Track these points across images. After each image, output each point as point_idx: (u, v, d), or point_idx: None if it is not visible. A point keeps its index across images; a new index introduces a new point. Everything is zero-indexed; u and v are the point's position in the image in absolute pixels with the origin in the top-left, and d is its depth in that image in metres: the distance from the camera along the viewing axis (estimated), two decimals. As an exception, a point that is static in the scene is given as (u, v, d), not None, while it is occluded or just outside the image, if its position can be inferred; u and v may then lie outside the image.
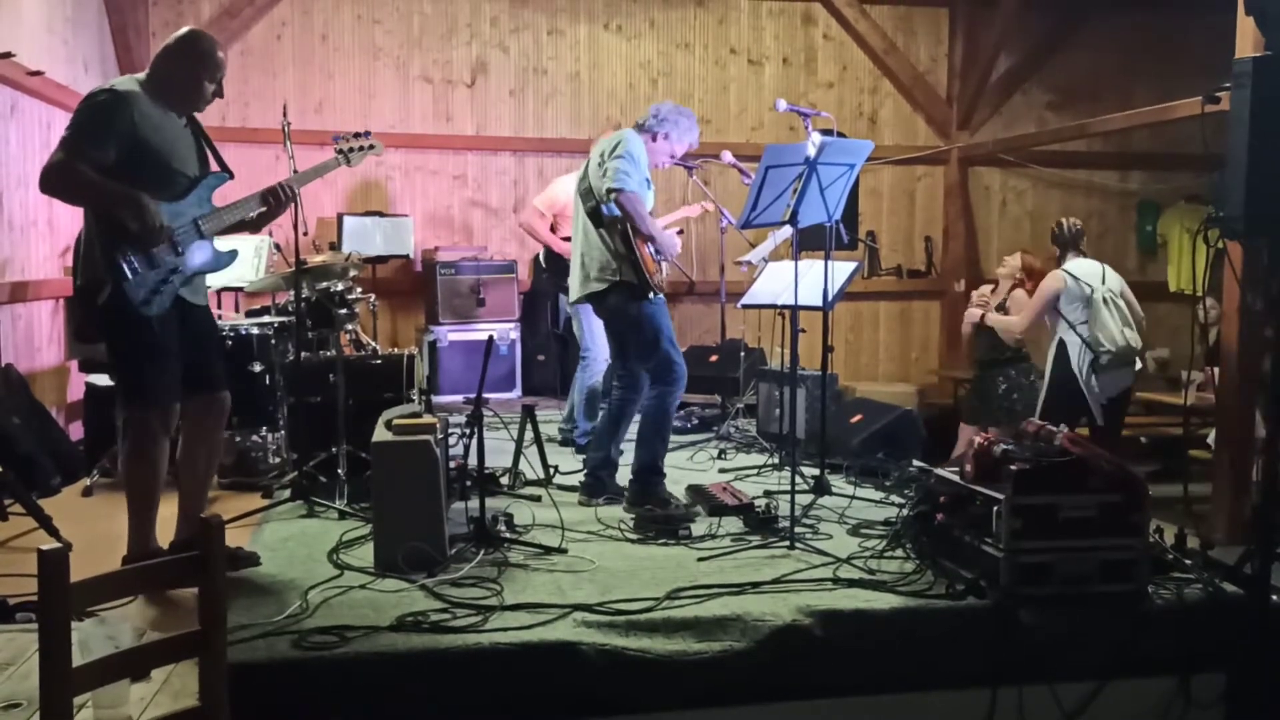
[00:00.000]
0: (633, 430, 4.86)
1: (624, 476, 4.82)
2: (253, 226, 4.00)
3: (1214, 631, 3.54)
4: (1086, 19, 8.82)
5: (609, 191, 4.53)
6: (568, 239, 6.05)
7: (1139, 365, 5.84)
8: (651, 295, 4.64)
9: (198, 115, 3.86)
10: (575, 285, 4.85)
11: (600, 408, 5.83)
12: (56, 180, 3.52)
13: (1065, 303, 5.75)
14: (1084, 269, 5.79)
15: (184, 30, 3.77)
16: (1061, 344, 5.80)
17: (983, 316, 6.18)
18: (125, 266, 3.51)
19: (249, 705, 2.63)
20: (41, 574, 1.86)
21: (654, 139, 4.82)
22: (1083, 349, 5.69)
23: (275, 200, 3.87)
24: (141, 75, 3.71)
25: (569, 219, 6.15)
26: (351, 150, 4.26)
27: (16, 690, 2.63)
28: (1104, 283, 5.74)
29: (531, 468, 5.12)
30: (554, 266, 6.12)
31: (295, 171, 4.14)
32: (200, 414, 3.84)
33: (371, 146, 4.31)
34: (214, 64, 3.73)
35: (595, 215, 4.69)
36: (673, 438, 6.13)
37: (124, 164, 3.52)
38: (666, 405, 4.69)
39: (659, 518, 4.30)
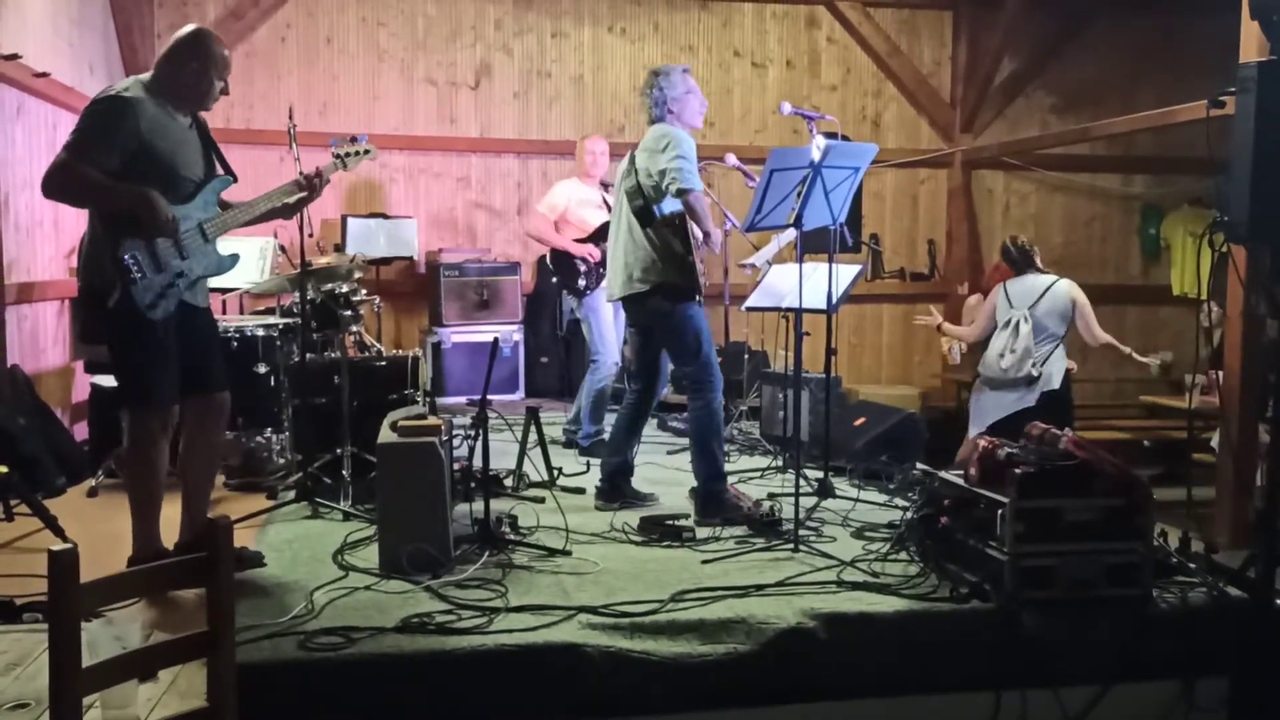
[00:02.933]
0: (650, 434, 4.82)
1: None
2: (286, 213, 4.02)
3: (1217, 635, 3.54)
4: (1090, 22, 8.81)
5: (679, 192, 4.41)
6: (575, 241, 6.09)
7: (1032, 397, 5.49)
8: (698, 298, 4.57)
9: (204, 116, 3.86)
10: (617, 285, 4.71)
11: (609, 410, 5.84)
12: (59, 181, 3.50)
13: (999, 315, 5.78)
14: (1022, 288, 5.71)
15: (188, 29, 3.73)
16: None
17: (939, 326, 6.12)
18: (133, 268, 3.51)
19: (254, 706, 2.63)
20: (51, 575, 1.87)
21: (679, 119, 4.64)
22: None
23: (314, 185, 3.95)
24: (146, 77, 3.67)
25: (570, 224, 6.18)
26: (347, 155, 4.25)
27: (24, 690, 2.64)
28: (1035, 305, 5.58)
29: (536, 469, 5.13)
30: (561, 268, 6.13)
31: (302, 174, 4.13)
32: (201, 414, 3.85)
33: (367, 151, 4.29)
34: (222, 61, 3.72)
35: (644, 214, 4.57)
36: (675, 440, 6.19)
37: (129, 169, 3.50)
38: (714, 409, 4.56)
39: (666, 526, 4.28)
